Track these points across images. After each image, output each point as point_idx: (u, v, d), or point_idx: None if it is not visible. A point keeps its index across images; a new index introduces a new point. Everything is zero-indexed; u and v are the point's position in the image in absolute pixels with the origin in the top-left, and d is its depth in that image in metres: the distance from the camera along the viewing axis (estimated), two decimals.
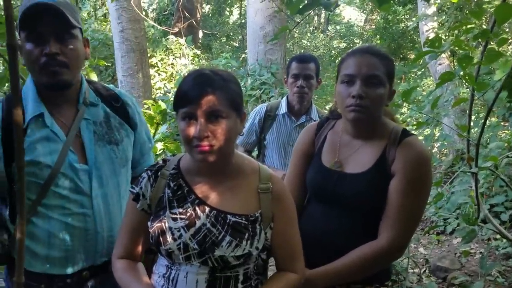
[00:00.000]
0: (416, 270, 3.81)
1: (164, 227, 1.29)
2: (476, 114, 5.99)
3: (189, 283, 1.27)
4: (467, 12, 5.38)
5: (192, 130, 1.21)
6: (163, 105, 2.78)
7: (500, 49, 2.63)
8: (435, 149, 7.10)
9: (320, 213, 1.62)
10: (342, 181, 1.54)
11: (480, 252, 4.08)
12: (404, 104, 4.17)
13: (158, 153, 2.72)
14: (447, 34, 6.37)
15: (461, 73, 2.55)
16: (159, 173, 1.37)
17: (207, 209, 1.30)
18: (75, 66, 1.48)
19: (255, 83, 6.89)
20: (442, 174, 4.95)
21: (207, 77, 1.24)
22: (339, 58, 14.05)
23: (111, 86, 1.74)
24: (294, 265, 1.37)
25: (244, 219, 1.29)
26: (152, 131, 2.60)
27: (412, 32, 12.92)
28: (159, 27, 9.03)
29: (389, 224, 1.45)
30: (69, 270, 1.52)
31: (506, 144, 4.09)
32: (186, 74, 1.34)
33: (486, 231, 4.12)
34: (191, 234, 1.27)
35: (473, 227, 3.15)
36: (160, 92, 9.22)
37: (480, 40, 2.78)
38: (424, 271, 3.84)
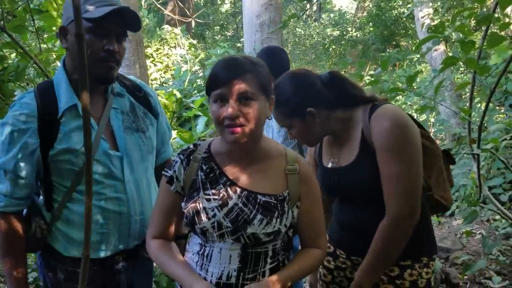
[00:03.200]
0: None
1: (198, 207, 1.36)
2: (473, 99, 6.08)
3: (223, 258, 1.35)
4: None
5: (224, 111, 1.27)
6: (178, 94, 2.80)
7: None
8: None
9: (338, 209, 1.71)
10: (342, 175, 1.59)
11: (480, 233, 4.20)
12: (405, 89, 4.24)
13: (171, 141, 2.75)
14: (443, 19, 6.43)
15: (460, 56, 2.62)
16: (191, 157, 1.43)
17: (238, 189, 1.37)
18: (121, 64, 1.57)
19: None
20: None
21: (238, 61, 1.30)
22: (333, 46, 13.96)
23: (132, 77, 1.80)
24: (318, 242, 1.45)
25: (273, 198, 1.36)
26: (169, 119, 2.64)
27: (404, 19, 12.98)
28: (162, 9, 8.87)
29: (386, 198, 1.46)
30: (104, 253, 1.59)
31: (506, 127, 4.19)
32: (217, 60, 1.41)
33: (485, 212, 4.23)
34: (224, 213, 1.34)
35: (474, 208, 3.25)
36: (156, 83, 9.21)
37: (480, 25, 2.84)
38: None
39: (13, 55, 2.89)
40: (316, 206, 1.44)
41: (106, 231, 1.57)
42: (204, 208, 1.36)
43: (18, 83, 2.36)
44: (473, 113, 4.73)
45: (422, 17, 6.74)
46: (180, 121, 4.50)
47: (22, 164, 1.47)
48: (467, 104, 3.27)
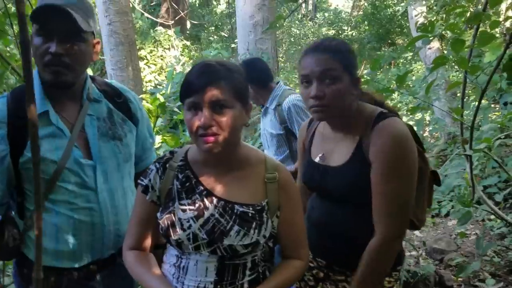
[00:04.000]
0: (414, 253, 3.87)
1: (173, 218, 1.31)
2: (467, 97, 6.05)
3: (199, 271, 1.30)
4: None
5: (197, 120, 1.22)
6: (161, 98, 2.76)
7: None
8: (426, 133, 7.17)
9: (316, 204, 1.67)
10: (326, 174, 1.56)
11: (475, 233, 4.15)
12: (395, 90, 4.20)
13: (156, 146, 2.71)
14: (436, 18, 6.39)
15: (451, 56, 2.58)
16: (167, 165, 1.38)
17: (215, 199, 1.32)
18: (78, 68, 1.48)
19: None
20: (435, 158, 5.00)
21: (212, 68, 1.25)
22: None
23: (113, 82, 1.75)
24: (299, 252, 1.40)
25: (251, 208, 1.31)
26: (151, 124, 2.60)
27: (400, 17, 12.94)
28: (149, 16, 8.89)
29: (376, 216, 1.44)
30: (77, 264, 1.55)
31: (499, 125, 4.14)
32: (191, 66, 1.36)
33: (480, 212, 4.19)
34: (200, 224, 1.29)
35: (468, 209, 3.20)
36: (150, 85, 9.16)
37: (470, 23, 2.79)
38: (421, 253, 3.90)
39: None
40: (296, 215, 1.39)
41: (78, 241, 1.52)
42: (179, 219, 1.31)
43: None
44: (467, 112, 4.68)
45: (416, 15, 6.70)
46: (170, 125, 4.46)
47: None
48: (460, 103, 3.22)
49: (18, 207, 1.54)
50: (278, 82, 3.08)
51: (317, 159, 1.62)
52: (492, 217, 4.17)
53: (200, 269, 1.30)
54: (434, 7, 6.89)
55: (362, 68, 10.00)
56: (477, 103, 2.87)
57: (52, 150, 1.46)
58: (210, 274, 1.29)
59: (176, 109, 3.80)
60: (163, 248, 1.51)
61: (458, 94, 6.46)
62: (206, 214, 1.30)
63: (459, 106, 3.19)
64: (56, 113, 1.50)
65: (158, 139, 2.75)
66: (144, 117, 1.77)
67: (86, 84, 1.57)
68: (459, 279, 3.32)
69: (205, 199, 1.32)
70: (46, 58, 1.41)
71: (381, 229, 1.43)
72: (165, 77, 8.44)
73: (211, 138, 1.23)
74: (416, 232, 4.47)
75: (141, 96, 4.33)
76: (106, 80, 1.75)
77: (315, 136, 1.70)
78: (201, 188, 1.34)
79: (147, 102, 2.91)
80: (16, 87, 1.59)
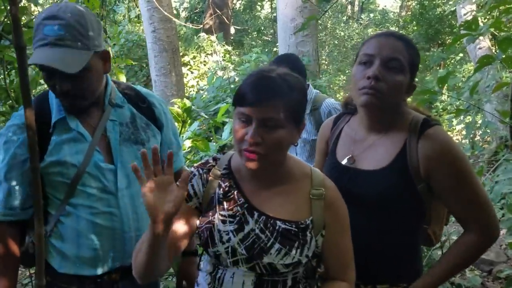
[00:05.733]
0: None
1: (213, 228, 1.26)
2: None
3: (235, 284, 1.24)
4: None
5: (244, 133, 1.16)
6: (188, 103, 2.78)
7: None
8: (477, 137, 6.81)
9: None
10: (355, 178, 1.46)
11: None
12: (443, 91, 4.01)
13: (186, 150, 2.73)
14: (487, 16, 6.06)
15: (503, 56, 2.42)
16: (210, 173, 1.33)
17: (255, 214, 1.25)
18: (90, 94, 1.47)
19: None
20: (485, 163, 4.73)
21: (271, 81, 1.17)
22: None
23: (138, 87, 1.75)
24: (345, 274, 1.30)
25: (294, 226, 1.23)
26: (178, 129, 2.62)
27: (450, 16, 12.43)
28: (189, 25, 9.09)
29: (467, 217, 1.39)
30: (99, 271, 1.54)
31: None
32: (249, 72, 1.30)
33: None
34: (240, 238, 1.23)
35: None
36: (193, 90, 9.32)
37: None
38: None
39: None
40: (344, 236, 1.30)
41: (99, 247, 1.52)
42: (219, 231, 1.25)
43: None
44: None
45: (465, 15, 6.40)
46: (207, 130, 4.49)
47: (12, 174, 1.47)
48: None
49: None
50: (308, 85, 2.98)
51: (344, 161, 1.51)
52: None
53: (237, 282, 1.24)
54: (484, 5, 6.54)
55: None
56: None
57: (72, 154, 1.48)
58: None
59: (203, 114, 3.81)
60: (196, 255, 1.45)
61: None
62: (246, 228, 1.24)
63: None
64: (78, 118, 1.52)
65: (188, 143, 2.78)
66: (169, 121, 1.75)
67: (107, 90, 1.58)
68: None
69: (245, 212, 1.26)
70: (55, 93, 1.45)
71: (478, 231, 1.37)
72: (207, 82, 8.56)
73: (254, 156, 1.16)
74: None
75: (172, 101, 4.38)
76: (131, 84, 1.75)
77: (341, 137, 1.59)
78: (242, 200, 1.28)
79: (178, 107, 2.94)
80: (40, 93, 1.62)
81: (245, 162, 1.18)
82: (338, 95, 10.48)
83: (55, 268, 1.54)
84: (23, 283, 2.94)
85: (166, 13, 7.02)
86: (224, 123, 3.93)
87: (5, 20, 2.16)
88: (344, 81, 12.65)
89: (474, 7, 6.51)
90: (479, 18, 2.76)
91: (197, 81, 9.69)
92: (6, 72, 2.25)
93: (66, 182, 1.47)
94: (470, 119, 6.33)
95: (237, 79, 7.17)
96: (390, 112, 1.43)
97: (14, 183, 1.47)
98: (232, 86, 6.64)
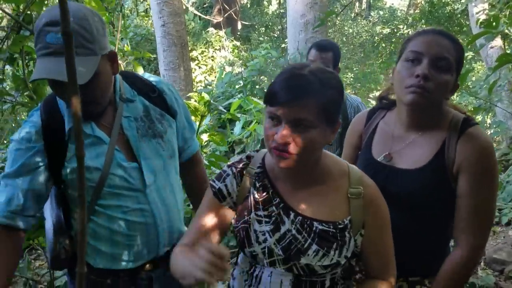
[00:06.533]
0: None
1: (249, 229, 1.24)
2: None
3: (273, 284, 1.23)
4: None
5: (274, 132, 1.13)
6: (206, 97, 2.78)
7: None
8: None
9: None
10: (393, 177, 1.44)
11: None
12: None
13: (203, 144, 2.72)
14: (500, 15, 6.01)
15: None
16: (244, 171, 1.30)
17: (292, 214, 1.23)
18: (102, 97, 1.43)
19: None
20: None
21: (303, 80, 1.11)
22: (383, 44, 13.57)
23: (146, 74, 1.69)
24: (386, 273, 1.28)
25: (332, 227, 1.20)
26: (197, 122, 2.61)
27: (459, 15, 12.36)
28: (202, 15, 9.03)
29: (465, 229, 1.37)
30: (134, 264, 1.55)
31: None
32: (281, 69, 1.27)
33: None
34: (276, 239, 1.21)
35: None
36: (201, 85, 9.31)
37: None
38: (480, 263, 3.67)
39: None
40: (384, 234, 1.26)
41: (133, 243, 1.52)
42: (255, 231, 1.23)
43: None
44: None
45: (477, 13, 6.35)
46: (219, 124, 4.47)
47: (20, 179, 1.43)
48: None
49: (65, 217, 1.54)
50: None
51: (380, 158, 1.49)
52: None
53: (274, 282, 1.23)
54: (497, 4, 6.49)
55: None
56: None
57: (94, 158, 1.45)
58: None
59: (221, 108, 3.80)
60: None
61: None
62: (283, 229, 1.22)
63: None
64: (92, 121, 1.48)
65: (205, 137, 2.77)
66: (181, 107, 1.69)
67: (116, 86, 1.52)
68: None
69: (281, 212, 1.23)
70: (66, 103, 1.42)
71: (469, 240, 1.36)
72: (215, 77, 8.56)
73: (285, 155, 1.13)
74: None
75: (189, 94, 4.37)
76: (136, 73, 1.69)
77: (377, 133, 1.56)
78: (278, 200, 1.25)
79: (195, 101, 2.94)
80: (47, 96, 1.57)
81: (275, 161, 1.16)
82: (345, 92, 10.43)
83: (90, 264, 1.54)
84: (40, 273, 2.96)
85: (178, 6, 7.00)
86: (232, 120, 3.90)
87: (26, 10, 2.16)
88: (351, 79, 12.60)
89: (486, 5, 6.46)
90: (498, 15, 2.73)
91: (205, 76, 9.68)
92: (25, 63, 2.25)
93: (91, 185, 1.45)
94: (480, 119, 6.32)
95: (245, 75, 7.15)
96: (433, 111, 1.42)
97: (19, 189, 1.43)
98: (241, 82, 6.62)
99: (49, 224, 1.54)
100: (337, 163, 1.29)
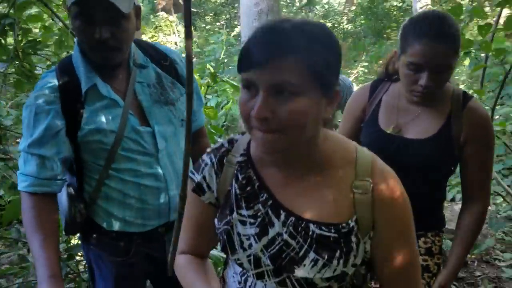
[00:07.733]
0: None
1: (231, 231, 1.01)
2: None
3: None
4: None
5: (251, 107, 0.86)
6: (211, 68, 2.77)
7: None
8: None
9: None
10: (405, 147, 1.55)
11: None
12: None
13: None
14: (443, 9, 6.52)
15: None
16: (225, 160, 1.05)
17: (282, 214, 0.97)
18: (125, 47, 1.45)
19: None
20: None
21: (283, 33, 0.84)
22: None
23: (157, 43, 1.72)
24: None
25: (333, 230, 0.94)
26: (199, 85, 2.59)
27: (396, 12, 13.06)
28: None
29: (481, 187, 1.58)
30: (146, 228, 1.59)
31: None
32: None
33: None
34: (263, 245, 0.98)
35: None
36: None
37: (499, 6, 2.89)
38: None
39: (37, 30, 2.84)
40: (400, 240, 0.97)
41: (146, 206, 1.56)
42: (239, 234, 1.00)
43: (42, 56, 2.32)
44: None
45: (421, 8, 6.82)
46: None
47: (47, 146, 1.43)
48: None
49: (79, 179, 1.55)
50: None
51: (390, 131, 1.58)
52: (498, 201, 4.32)
53: None
54: (438, 0, 7.02)
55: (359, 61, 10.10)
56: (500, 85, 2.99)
57: (109, 121, 1.47)
58: None
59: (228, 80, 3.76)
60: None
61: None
62: (271, 232, 0.97)
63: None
64: (107, 84, 1.49)
65: None
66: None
67: (130, 51, 1.53)
68: (472, 256, 3.47)
69: (270, 212, 0.98)
70: (91, 43, 1.39)
71: (483, 198, 1.59)
72: None
73: (268, 136, 0.87)
74: None
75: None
76: (149, 41, 1.72)
77: (382, 106, 1.64)
78: (265, 195, 0.99)
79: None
80: (62, 59, 1.58)
81: (258, 145, 0.91)
82: None
83: (103, 226, 1.56)
84: None
85: None
86: None
87: None
88: None
89: (429, 1, 6.97)
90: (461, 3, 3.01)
91: None
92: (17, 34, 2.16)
93: (106, 148, 1.47)
94: None
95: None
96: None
97: (48, 154, 1.43)
98: (198, 66, 6.61)
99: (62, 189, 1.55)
100: (342, 146, 1.01)
